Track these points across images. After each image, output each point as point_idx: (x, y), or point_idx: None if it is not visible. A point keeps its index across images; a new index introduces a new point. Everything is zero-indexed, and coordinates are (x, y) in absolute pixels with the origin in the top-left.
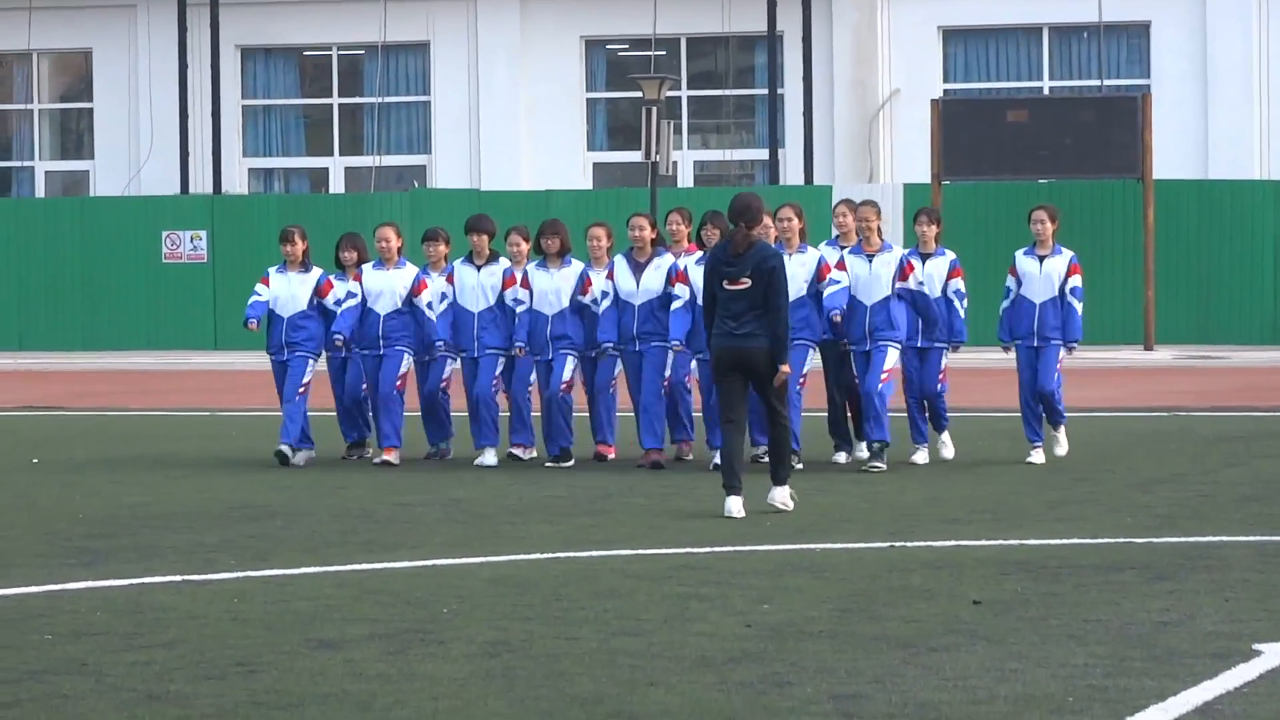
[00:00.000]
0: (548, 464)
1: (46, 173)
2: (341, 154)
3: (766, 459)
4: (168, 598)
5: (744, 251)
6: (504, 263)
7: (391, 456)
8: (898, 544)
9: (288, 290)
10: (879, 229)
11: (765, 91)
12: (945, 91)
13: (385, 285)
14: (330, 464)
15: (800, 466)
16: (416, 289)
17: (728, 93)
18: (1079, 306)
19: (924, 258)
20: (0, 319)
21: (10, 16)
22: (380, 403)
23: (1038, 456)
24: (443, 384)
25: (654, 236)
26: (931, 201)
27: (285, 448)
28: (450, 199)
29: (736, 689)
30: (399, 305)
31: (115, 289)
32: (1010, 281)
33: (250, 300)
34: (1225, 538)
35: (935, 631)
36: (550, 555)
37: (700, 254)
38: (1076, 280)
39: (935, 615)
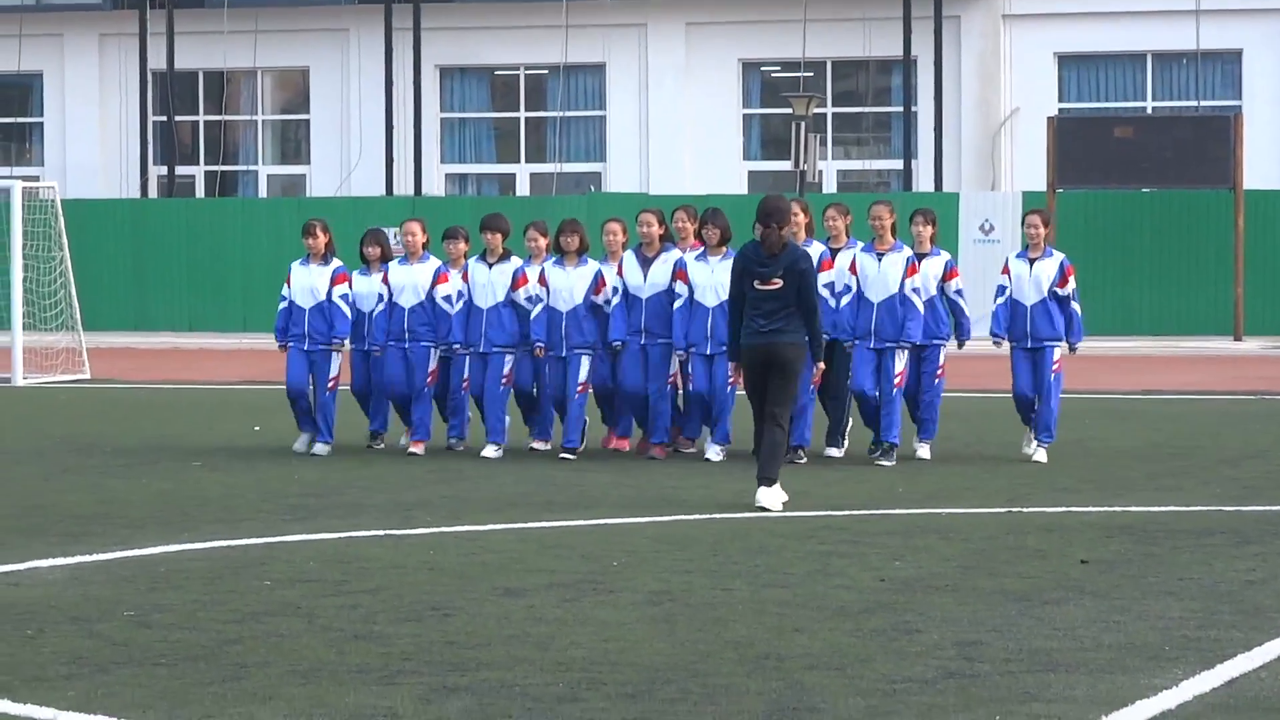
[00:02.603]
0: (562, 454)
1: (269, 176)
2: (527, 161)
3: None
4: (372, 549)
5: (778, 253)
6: (515, 261)
7: (419, 449)
8: (1015, 509)
9: (309, 282)
10: (892, 227)
11: (901, 109)
12: (1060, 110)
13: (409, 280)
14: (511, 437)
15: (803, 460)
16: (438, 281)
17: (868, 110)
18: (1078, 309)
19: (920, 257)
20: (228, 303)
21: (239, 39)
22: (414, 398)
23: (1034, 450)
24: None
25: (662, 232)
26: (1047, 207)
27: (319, 447)
28: (623, 201)
29: (871, 636)
30: (422, 299)
31: None
32: (1003, 279)
33: (278, 310)
34: None
35: (1047, 587)
36: (708, 516)
37: (700, 249)
38: (1072, 285)
39: (1047, 572)
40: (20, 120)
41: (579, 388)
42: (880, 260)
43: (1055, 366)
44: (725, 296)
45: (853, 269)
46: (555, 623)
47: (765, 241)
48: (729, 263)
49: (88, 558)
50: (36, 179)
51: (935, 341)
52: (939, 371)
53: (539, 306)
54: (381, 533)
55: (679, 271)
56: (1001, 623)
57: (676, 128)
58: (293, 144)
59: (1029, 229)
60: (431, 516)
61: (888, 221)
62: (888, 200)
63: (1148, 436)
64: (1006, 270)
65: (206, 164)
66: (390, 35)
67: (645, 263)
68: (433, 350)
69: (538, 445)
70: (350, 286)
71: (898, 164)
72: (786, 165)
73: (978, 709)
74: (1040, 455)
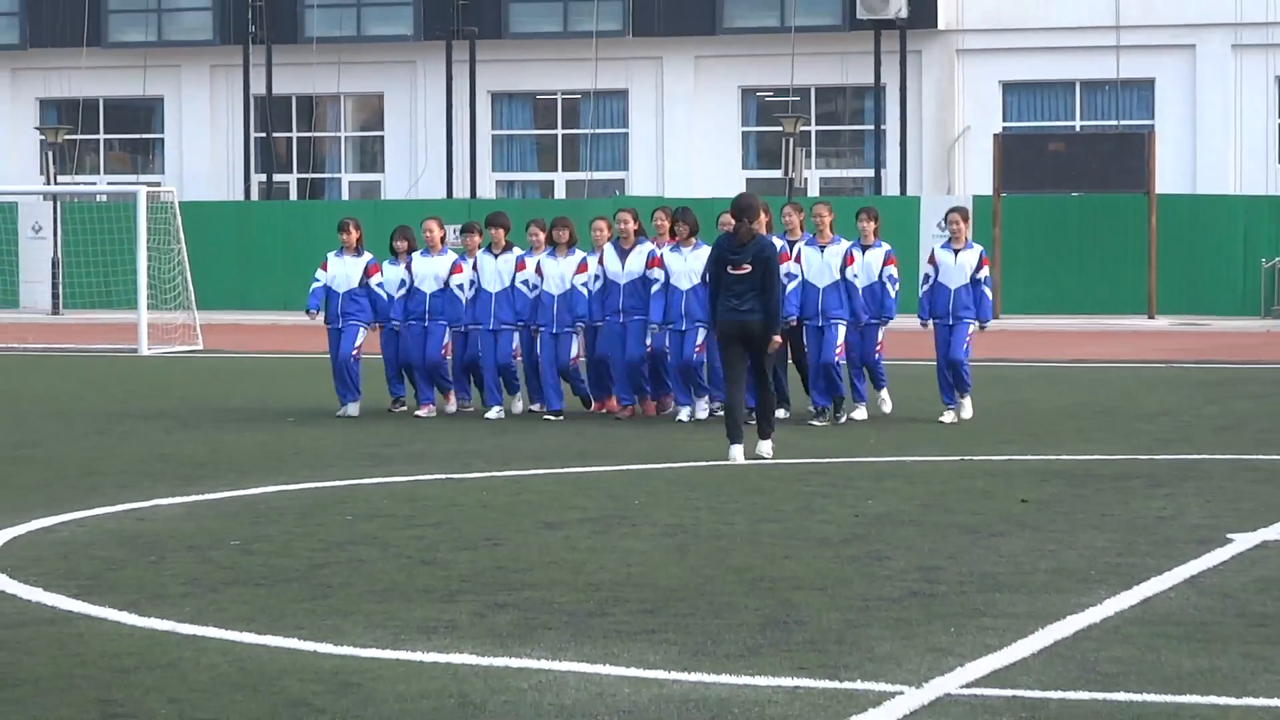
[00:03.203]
0: (547, 415)
1: (350, 182)
2: (563, 170)
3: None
4: (435, 490)
5: (747, 243)
6: (517, 251)
7: (433, 408)
8: (967, 458)
9: (343, 271)
10: (831, 223)
11: (872, 127)
12: (1004, 128)
13: (429, 270)
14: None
15: (785, 415)
16: (454, 271)
17: (844, 128)
18: (989, 293)
19: (864, 249)
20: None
21: (325, 69)
22: (429, 368)
23: (949, 417)
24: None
25: (637, 228)
26: (993, 210)
27: (353, 408)
28: (642, 203)
29: (848, 562)
30: (442, 286)
31: None
32: (928, 269)
33: (311, 289)
34: (1207, 456)
35: (994, 522)
36: (713, 463)
37: (674, 242)
38: (985, 271)
39: (994, 510)
40: (145, 136)
41: (573, 360)
42: (822, 252)
43: (968, 342)
44: (696, 282)
45: (798, 259)
46: (587, 551)
47: (737, 233)
48: (699, 252)
49: (201, 497)
50: (158, 185)
51: (874, 321)
52: (879, 346)
53: (535, 293)
54: (443, 476)
55: (653, 260)
56: (956, 551)
57: (687, 142)
58: (370, 156)
59: (951, 225)
60: (484, 463)
61: (827, 219)
62: (827, 201)
63: (1076, 398)
64: (933, 260)
65: (298, 172)
66: (450, 66)
67: (623, 254)
68: (448, 329)
69: (533, 407)
70: (381, 275)
71: (869, 172)
72: (777, 173)
73: (936, 622)
74: (966, 410)
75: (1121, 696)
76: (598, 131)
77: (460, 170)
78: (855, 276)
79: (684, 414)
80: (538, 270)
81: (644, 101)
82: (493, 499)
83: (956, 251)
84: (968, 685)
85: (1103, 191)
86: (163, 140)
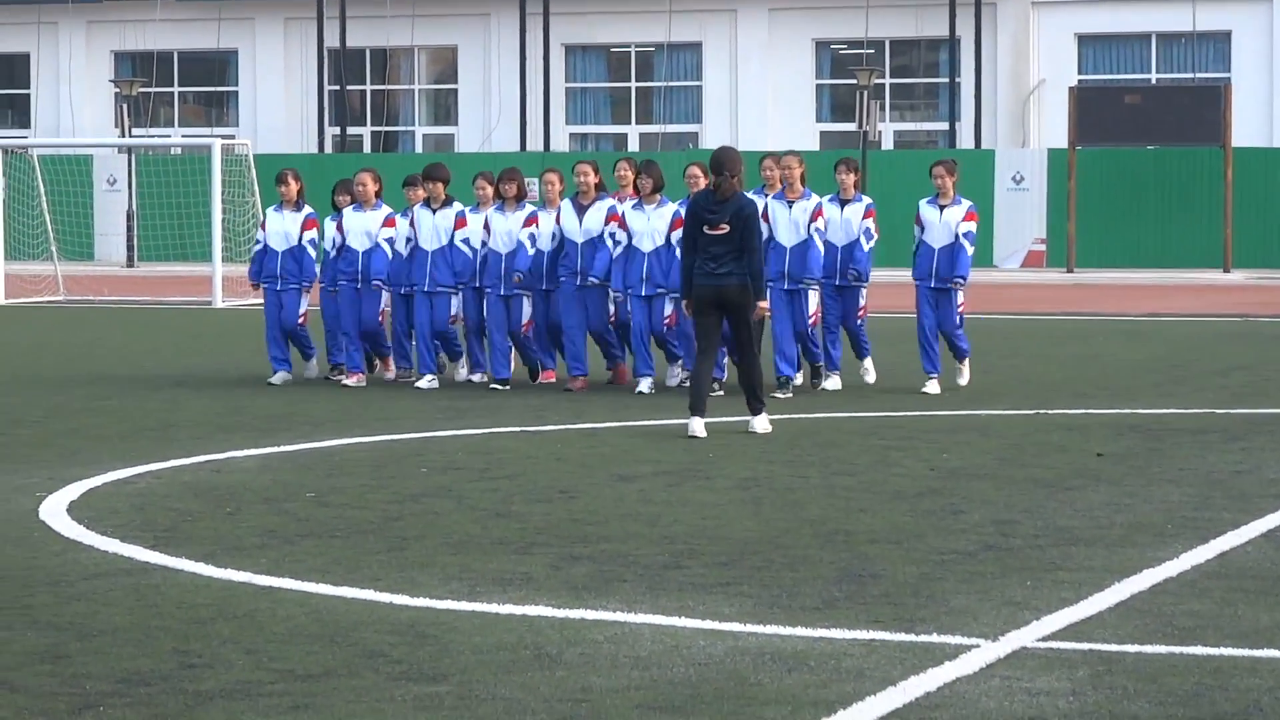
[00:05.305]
0: (494, 385)
1: (423, 135)
2: (637, 123)
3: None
4: (510, 443)
5: (727, 199)
6: (457, 206)
7: (363, 377)
8: (1041, 411)
9: (282, 227)
10: (802, 176)
11: (946, 80)
12: (1079, 80)
13: (361, 225)
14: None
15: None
16: (386, 224)
17: (919, 80)
18: (969, 249)
19: (843, 203)
20: None
21: (399, 21)
22: (361, 334)
23: (932, 387)
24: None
25: (597, 181)
26: (1068, 164)
27: (277, 377)
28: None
29: (923, 515)
30: (373, 244)
31: None
32: (916, 229)
33: (252, 252)
34: None
35: (1069, 475)
36: (786, 416)
37: (637, 199)
38: (970, 226)
39: (1069, 464)
40: (219, 89)
41: (524, 326)
42: (791, 207)
43: (961, 306)
44: (660, 243)
45: (765, 217)
46: (661, 504)
47: (717, 189)
48: (664, 210)
49: (276, 449)
50: (232, 138)
51: (856, 283)
52: (860, 310)
53: (483, 251)
54: (518, 429)
55: (612, 216)
56: (1031, 505)
57: (760, 95)
58: (443, 109)
59: (935, 180)
60: (558, 416)
61: (797, 172)
62: (799, 153)
63: (1152, 351)
64: (918, 219)
65: (372, 125)
66: (524, 18)
67: (581, 210)
68: (384, 291)
69: (474, 377)
70: (320, 232)
71: (944, 126)
72: (851, 126)
73: (1012, 576)
74: (964, 376)
75: (1198, 650)
76: (671, 84)
77: (533, 123)
78: (819, 231)
79: (644, 385)
80: (485, 226)
81: (718, 54)
82: (567, 451)
83: (943, 208)
84: (1043, 638)
85: (1178, 144)
86: (237, 93)
